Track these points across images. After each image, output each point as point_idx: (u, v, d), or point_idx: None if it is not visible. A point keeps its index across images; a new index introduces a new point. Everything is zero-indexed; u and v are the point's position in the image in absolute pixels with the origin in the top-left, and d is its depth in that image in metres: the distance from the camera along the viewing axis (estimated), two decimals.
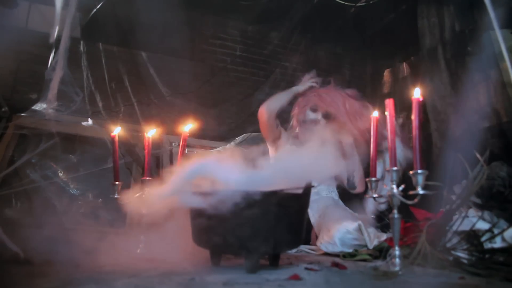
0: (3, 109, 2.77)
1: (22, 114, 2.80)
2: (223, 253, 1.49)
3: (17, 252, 1.35)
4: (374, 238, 1.93)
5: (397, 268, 1.33)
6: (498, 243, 1.68)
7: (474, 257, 1.45)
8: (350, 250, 1.89)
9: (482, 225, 1.83)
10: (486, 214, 2.09)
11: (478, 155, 1.63)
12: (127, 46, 3.43)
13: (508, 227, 1.71)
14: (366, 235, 1.93)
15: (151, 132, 1.92)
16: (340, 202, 2.48)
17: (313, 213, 2.30)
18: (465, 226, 1.60)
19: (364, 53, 4.54)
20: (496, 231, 1.64)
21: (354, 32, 4.22)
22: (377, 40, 4.23)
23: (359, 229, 1.96)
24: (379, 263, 1.58)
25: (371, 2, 3.55)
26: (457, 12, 3.03)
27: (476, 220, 1.63)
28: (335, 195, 2.51)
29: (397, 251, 1.36)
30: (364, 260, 1.74)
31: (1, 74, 2.99)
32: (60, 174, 2.93)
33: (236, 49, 4.14)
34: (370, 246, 1.89)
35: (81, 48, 3.22)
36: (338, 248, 1.93)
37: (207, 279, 1.16)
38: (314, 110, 2.52)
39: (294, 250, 2.06)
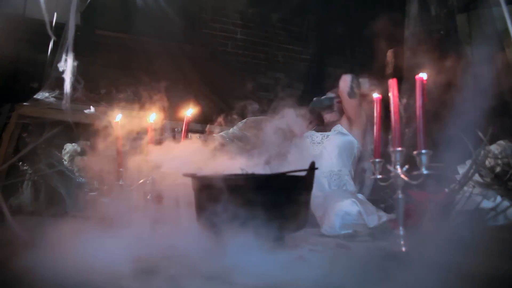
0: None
1: (25, 104, 2.80)
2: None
3: (26, 239, 1.37)
4: (373, 216, 1.93)
5: (401, 248, 1.34)
6: (501, 221, 1.69)
7: (478, 236, 1.46)
8: (350, 231, 1.90)
9: (485, 204, 1.83)
10: (490, 193, 2.09)
11: (480, 134, 1.62)
12: (126, 31, 3.40)
13: (510, 205, 1.72)
14: (365, 217, 1.93)
15: (152, 117, 1.92)
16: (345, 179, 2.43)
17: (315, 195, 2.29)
18: (469, 205, 1.60)
19: (367, 33, 4.48)
20: (499, 210, 1.64)
21: (356, 12, 4.15)
22: (380, 20, 4.16)
23: (359, 213, 1.95)
24: (383, 243, 1.59)
25: None
26: None
27: (480, 200, 1.63)
28: (344, 173, 2.45)
29: (401, 231, 1.37)
30: (366, 241, 1.76)
31: (2, 63, 2.97)
32: (65, 162, 2.95)
33: (236, 33, 4.09)
34: (370, 225, 1.89)
35: (81, 34, 3.19)
36: (337, 231, 1.94)
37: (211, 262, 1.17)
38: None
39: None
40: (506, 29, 1.84)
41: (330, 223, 1.96)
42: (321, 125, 2.70)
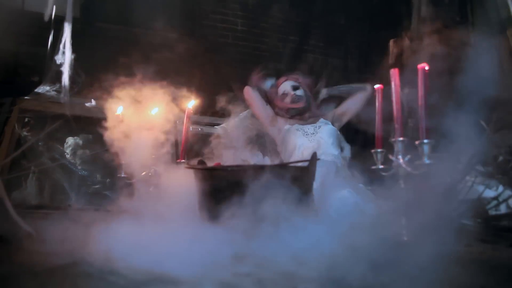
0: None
1: (26, 98, 2.79)
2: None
3: (30, 232, 1.38)
4: (370, 204, 1.94)
5: (403, 238, 1.34)
6: (503, 210, 1.69)
7: (480, 224, 1.46)
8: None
9: (488, 193, 1.84)
10: (492, 182, 2.09)
11: (483, 123, 1.62)
12: (126, 24, 3.38)
13: None
14: (363, 206, 1.93)
15: (154, 110, 1.92)
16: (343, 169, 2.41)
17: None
18: (471, 194, 1.60)
19: (368, 23, 4.44)
20: (501, 199, 1.64)
21: (358, 2, 4.12)
22: (381, 10, 4.13)
23: (355, 204, 1.95)
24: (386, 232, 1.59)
25: None
26: None
27: (482, 189, 1.63)
28: (339, 161, 2.45)
29: (403, 220, 1.37)
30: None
31: (2, 57, 2.96)
32: (68, 156, 2.96)
33: (237, 24, 4.06)
34: (369, 212, 1.90)
35: (80, 27, 3.17)
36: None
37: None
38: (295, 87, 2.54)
39: None
40: (509, 17, 1.82)
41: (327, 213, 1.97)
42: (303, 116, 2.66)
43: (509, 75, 2.73)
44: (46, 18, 2.41)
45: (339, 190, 2.01)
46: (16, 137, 2.78)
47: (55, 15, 2.69)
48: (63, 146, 3.01)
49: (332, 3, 4.10)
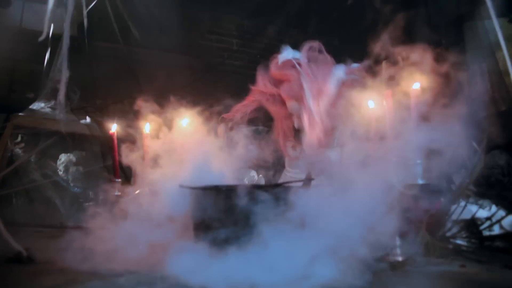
0: None
1: (20, 114, 2.79)
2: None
3: (20, 251, 1.36)
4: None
5: (398, 258, 1.34)
6: (496, 230, 1.70)
7: (474, 245, 1.46)
8: None
9: (481, 213, 1.84)
10: (485, 203, 2.10)
11: (475, 145, 1.64)
12: (123, 42, 3.41)
13: (506, 215, 1.73)
14: None
15: (147, 127, 1.92)
16: None
17: None
18: (464, 215, 1.61)
19: (361, 44, 4.53)
20: (494, 219, 1.65)
21: (351, 23, 4.21)
22: (374, 30, 4.21)
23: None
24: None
25: None
26: (434, 6, 3.03)
27: (476, 210, 1.64)
28: None
29: (397, 241, 1.37)
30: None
31: None
32: (60, 173, 2.94)
33: (232, 44, 4.12)
34: None
35: (76, 45, 3.20)
36: None
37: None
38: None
39: None
40: (497, 41, 1.87)
41: None
42: None
43: (499, 96, 2.79)
44: (44, 36, 2.43)
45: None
46: (8, 153, 2.76)
47: (52, 33, 2.71)
48: (56, 162, 2.99)
49: (326, 24, 4.19)
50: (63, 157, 3.00)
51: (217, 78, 3.84)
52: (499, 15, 2.38)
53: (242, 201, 1.28)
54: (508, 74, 2.69)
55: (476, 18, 2.82)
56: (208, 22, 4.03)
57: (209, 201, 1.32)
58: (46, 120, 2.78)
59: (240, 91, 3.91)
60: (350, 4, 3.85)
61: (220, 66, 3.92)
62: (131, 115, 3.25)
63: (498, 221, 1.67)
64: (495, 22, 1.75)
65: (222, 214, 1.30)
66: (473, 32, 2.84)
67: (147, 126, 1.92)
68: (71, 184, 2.95)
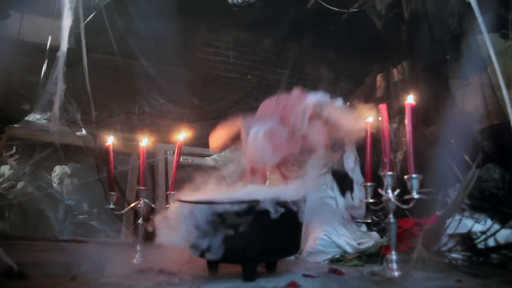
0: None
1: (15, 125, 2.78)
2: (221, 262, 1.48)
3: (11, 266, 1.33)
4: (354, 241, 1.95)
5: (395, 273, 1.33)
6: (490, 243, 1.70)
7: (470, 259, 1.46)
8: (334, 256, 1.93)
9: (476, 227, 1.85)
10: (481, 216, 2.11)
11: (468, 159, 1.65)
12: (120, 55, 3.42)
13: (500, 228, 1.73)
14: (343, 244, 1.96)
15: (145, 141, 1.92)
16: (334, 201, 2.34)
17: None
18: (460, 229, 1.61)
19: (357, 58, 4.58)
20: (489, 233, 1.65)
21: (346, 37, 4.25)
22: (369, 45, 4.26)
23: (333, 243, 1.96)
24: (376, 268, 1.58)
25: (363, 8, 3.59)
26: (436, 21, 3.08)
27: (471, 224, 1.64)
28: (330, 191, 2.37)
29: (394, 255, 1.36)
30: (355, 265, 1.76)
31: None
32: (54, 185, 2.91)
33: (229, 57, 4.16)
34: (350, 251, 1.92)
35: (74, 57, 3.20)
36: (321, 257, 1.94)
37: None
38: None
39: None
40: (489, 56, 1.90)
41: (309, 250, 1.98)
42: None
43: (493, 110, 2.82)
44: (41, 48, 2.45)
45: (319, 227, 2.02)
46: (2, 165, 2.74)
47: (49, 45, 2.72)
48: (50, 174, 2.97)
49: (322, 37, 4.23)
50: (57, 169, 2.98)
51: (213, 90, 3.86)
52: (491, 30, 2.42)
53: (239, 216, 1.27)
54: (500, 87, 2.73)
55: (469, 33, 2.87)
56: (205, 35, 4.06)
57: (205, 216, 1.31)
58: (41, 132, 2.77)
59: (236, 103, 3.92)
60: (345, 18, 3.91)
61: (217, 79, 3.95)
62: (127, 128, 3.26)
63: (493, 234, 1.67)
64: (486, 37, 1.78)
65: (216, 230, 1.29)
66: (467, 47, 2.89)
67: (144, 140, 1.91)
68: (65, 197, 2.92)
